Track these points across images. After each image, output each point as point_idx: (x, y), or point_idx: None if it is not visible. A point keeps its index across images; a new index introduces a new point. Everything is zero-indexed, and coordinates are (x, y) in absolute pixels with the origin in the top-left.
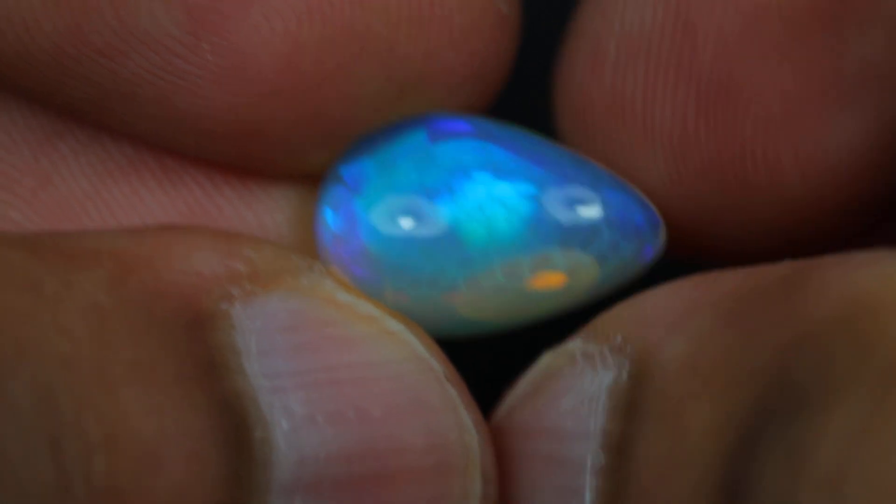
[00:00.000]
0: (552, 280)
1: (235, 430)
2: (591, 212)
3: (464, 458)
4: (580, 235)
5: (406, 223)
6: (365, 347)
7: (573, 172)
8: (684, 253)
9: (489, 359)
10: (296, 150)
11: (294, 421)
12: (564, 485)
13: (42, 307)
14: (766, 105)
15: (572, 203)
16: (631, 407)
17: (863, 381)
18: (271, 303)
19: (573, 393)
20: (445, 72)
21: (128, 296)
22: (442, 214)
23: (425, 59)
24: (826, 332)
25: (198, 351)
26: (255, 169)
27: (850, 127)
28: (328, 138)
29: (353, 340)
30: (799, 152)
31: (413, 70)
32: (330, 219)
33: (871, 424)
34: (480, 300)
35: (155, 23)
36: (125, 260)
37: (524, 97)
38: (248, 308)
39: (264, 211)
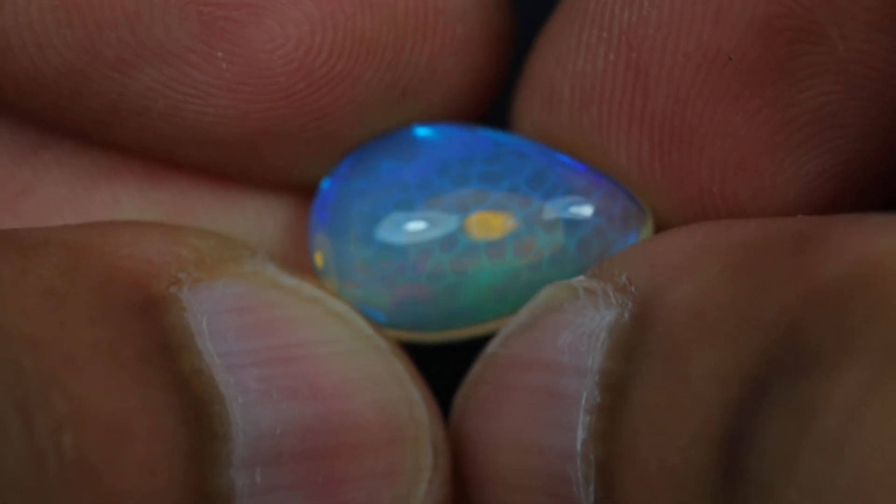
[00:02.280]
0: (526, 248)
1: (195, 407)
2: (576, 197)
3: (414, 431)
4: (564, 219)
5: (392, 213)
6: (312, 327)
7: (559, 162)
8: None
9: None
10: (298, 157)
11: (249, 396)
12: (557, 419)
13: (2, 292)
14: (720, 148)
15: (558, 188)
16: (631, 348)
17: (874, 343)
18: (217, 287)
19: (572, 328)
20: (445, 79)
21: (81, 281)
22: (425, 197)
23: (428, 65)
24: (840, 291)
25: (153, 332)
26: (255, 178)
27: (804, 167)
28: (331, 144)
29: (301, 320)
30: (755, 191)
31: (416, 76)
32: (317, 204)
33: (877, 389)
34: (459, 284)
35: (169, 34)
36: (75, 248)
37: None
38: (197, 292)
39: (245, 220)
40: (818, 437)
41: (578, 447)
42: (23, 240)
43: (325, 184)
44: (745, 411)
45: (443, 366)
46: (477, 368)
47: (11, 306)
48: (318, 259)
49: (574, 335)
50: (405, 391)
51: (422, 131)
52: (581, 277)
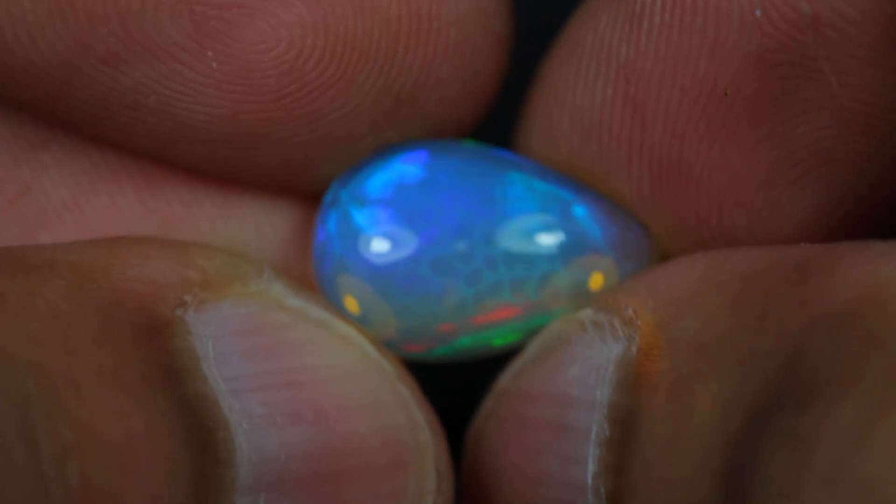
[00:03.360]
0: (547, 300)
1: (199, 432)
2: (594, 237)
3: (417, 455)
4: (584, 259)
5: (401, 253)
6: (318, 350)
7: (573, 198)
8: None
9: (461, 376)
10: (293, 161)
11: (254, 422)
12: (567, 452)
13: (7, 316)
14: (717, 183)
15: (574, 225)
16: (638, 381)
17: (876, 371)
18: (223, 309)
19: (581, 361)
20: (440, 84)
21: (87, 304)
22: (450, 233)
23: (422, 70)
24: (842, 318)
25: (158, 356)
26: (248, 182)
27: (800, 202)
28: (324, 150)
29: (306, 343)
30: (752, 225)
31: (410, 81)
32: (334, 235)
33: (879, 418)
34: (477, 328)
35: (160, 31)
36: (82, 270)
37: (514, 113)
38: (202, 314)
39: (243, 226)
40: (820, 467)
41: (589, 480)
42: (29, 260)
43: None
44: (749, 441)
45: (448, 385)
46: (488, 403)
47: (17, 330)
48: (351, 305)
49: (582, 369)
50: (410, 415)
51: (440, 170)
52: (589, 310)
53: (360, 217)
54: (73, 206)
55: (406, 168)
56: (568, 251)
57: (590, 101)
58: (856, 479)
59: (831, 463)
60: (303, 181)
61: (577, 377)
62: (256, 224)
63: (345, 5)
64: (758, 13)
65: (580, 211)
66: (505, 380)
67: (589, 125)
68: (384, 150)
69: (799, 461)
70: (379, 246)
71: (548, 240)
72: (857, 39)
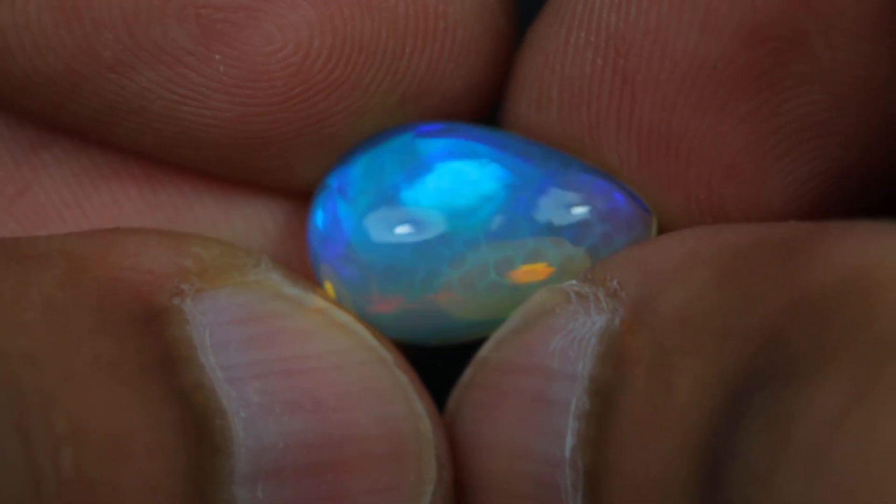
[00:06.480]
0: (538, 271)
1: (197, 421)
2: (581, 206)
3: (417, 444)
4: (571, 229)
5: (398, 229)
6: (315, 338)
7: (563, 169)
8: None
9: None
10: (295, 160)
11: (251, 410)
12: (547, 425)
13: (2, 307)
14: (706, 156)
15: (562, 198)
16: (621, 355)
17: (857, 353)
18: (220, 298)
19: (564, 333)
20: (445, 83)
21: (83, 293)
22: (430, 213)
23: (428, 70)
24: (825, 299)
25: (154, 345)
26: (252, 181)
27: (790, 174)
28: (328, 149)
29: (304, 332)
30: (741, 198)
31: (416, 80)
32: (318, 221)
33: (858, 401)
34: (470, 299)
35: (167, 36)
36: (78, 260)
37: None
38: (199, 303)
39: (245, 222)
40: (797, 449)
41: (567, 454)
42: (24, 250)
43: (330, 208)
44: (728, 421)
45: (438, 368)
46: (469, 372)
47: (11, 322)
48: (329, 290)
49: (565, 340)
50: (409, 404)
51: (422, 147)
52: (573, 282)
53: (344, 205)
54: (74, 204)
55: (389, 155)
56: (552, 228)
57: (579, 71)
58: (833, 462)
59: (809, 444)
60: (306, 177)
61: (559, 349)
62: (259, 219)
63: (352, 6)
64: None
65: (566, 186)
66: (486, 349)
67: (578, 95)
68: (373, 137)
69: (777, 441)
70: (362, 231)
71: (532, 217)
72: (848, 13)
